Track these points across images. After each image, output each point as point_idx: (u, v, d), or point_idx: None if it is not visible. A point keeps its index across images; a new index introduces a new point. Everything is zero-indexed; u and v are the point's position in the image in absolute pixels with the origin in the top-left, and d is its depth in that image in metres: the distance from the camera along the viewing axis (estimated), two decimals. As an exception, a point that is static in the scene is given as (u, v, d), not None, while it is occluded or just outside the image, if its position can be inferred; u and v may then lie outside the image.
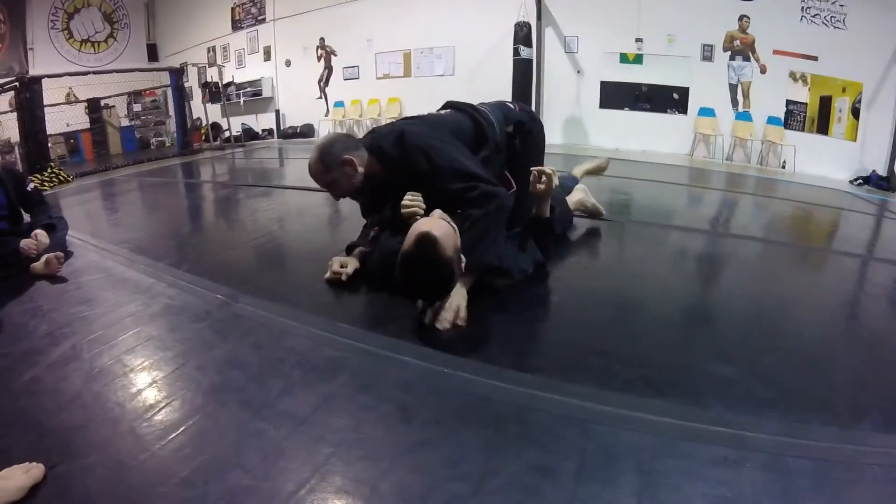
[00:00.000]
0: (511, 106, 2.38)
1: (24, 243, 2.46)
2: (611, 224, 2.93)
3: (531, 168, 2.04)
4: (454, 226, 1.66)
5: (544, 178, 2.00)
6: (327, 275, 2.05)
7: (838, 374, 1.46)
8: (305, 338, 1.60)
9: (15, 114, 7.45)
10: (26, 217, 2.85)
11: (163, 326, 1.78)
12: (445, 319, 1.64)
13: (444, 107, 2.30)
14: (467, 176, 1.83)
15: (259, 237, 2.97)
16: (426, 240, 1.54)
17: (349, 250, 2.20)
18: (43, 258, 2.41)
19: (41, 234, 2.55)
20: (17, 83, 7.32)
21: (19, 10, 11.89)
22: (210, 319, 1.79)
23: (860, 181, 6.81)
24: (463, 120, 2.13)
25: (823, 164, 7.19)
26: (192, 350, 1.59)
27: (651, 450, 1.08)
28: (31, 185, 2.92)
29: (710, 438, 1.12)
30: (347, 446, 1.10)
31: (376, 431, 1.16)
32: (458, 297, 1.70)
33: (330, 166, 1.99)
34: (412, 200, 1.88)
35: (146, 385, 1.40)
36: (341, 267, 2.05)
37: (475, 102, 2.28)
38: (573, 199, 2.82)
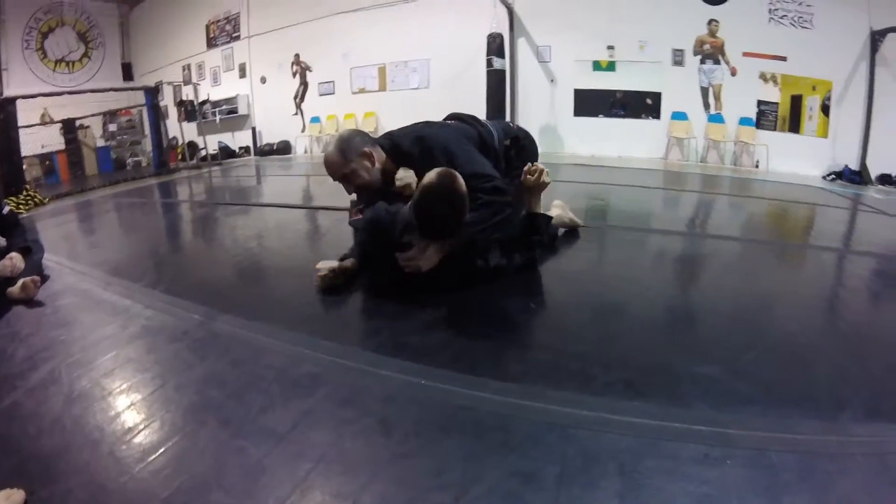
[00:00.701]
0: (509, 124, 2.60)
1: (0, 267, 2.42)
2: (588, 230, 2.95)
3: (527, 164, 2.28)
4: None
5: (535, 171, 2.24)
6: (318, 282, 2.05)
7: (819, 367, 1.48)
8: (284, 354, 1.58)
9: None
10: (1, 241, 2.80)
11: (140, 348, 1.75)
12: (416, 265, 1.86)
13: (449, 118, 2.42)
14: (484, 176, 1.97)
15: (237, 255, 2.95)
16: (448, 175, 1.79)
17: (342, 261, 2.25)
18: (19, 282, 2.37)
19: (17, 258, 2.50)
20: (-9, 104, 7.18)
21: (-7, 30, 11.72)
22: (187, 339, 1.77)
23: (833, 176, 7.00)
24: (469, 129, 2.26)
25: (796, 161, 7.38)
26: (170, 370, 1.57)
27: (633, 451, 1.09)
28: (7, 209, 2.85)
29: (693, 437, 1.13)
30: (328, 461, 1.09)
31: (356, 445, 1.15)
32: (433, 252, 1.89)
33: (348, 157, 2.08)
34: (406, 173, 2.08)
35: (125, 407, 1.38)
36: (330, 270, 2.07)
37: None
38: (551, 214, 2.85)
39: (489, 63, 8.22)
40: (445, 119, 2.42)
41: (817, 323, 1.90)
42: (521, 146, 2.47)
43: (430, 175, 1.80)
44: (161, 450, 1.17)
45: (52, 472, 1.13)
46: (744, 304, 2.02)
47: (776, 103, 7.64)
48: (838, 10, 7.07)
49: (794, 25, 7.35)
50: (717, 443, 1.11)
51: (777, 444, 1.11)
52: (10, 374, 1.64)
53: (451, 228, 1.85)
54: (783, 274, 2.59)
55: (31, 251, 2.70)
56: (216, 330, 1.83)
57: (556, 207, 2.89)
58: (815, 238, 3.56)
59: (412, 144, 2.09)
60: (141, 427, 1.27)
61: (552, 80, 8.76)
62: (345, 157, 2.09)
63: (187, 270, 2.90)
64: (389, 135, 2.22)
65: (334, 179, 2.20)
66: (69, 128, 10.40)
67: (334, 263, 2.08)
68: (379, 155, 2.13)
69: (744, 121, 7.77)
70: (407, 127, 2.25)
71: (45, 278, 2.63)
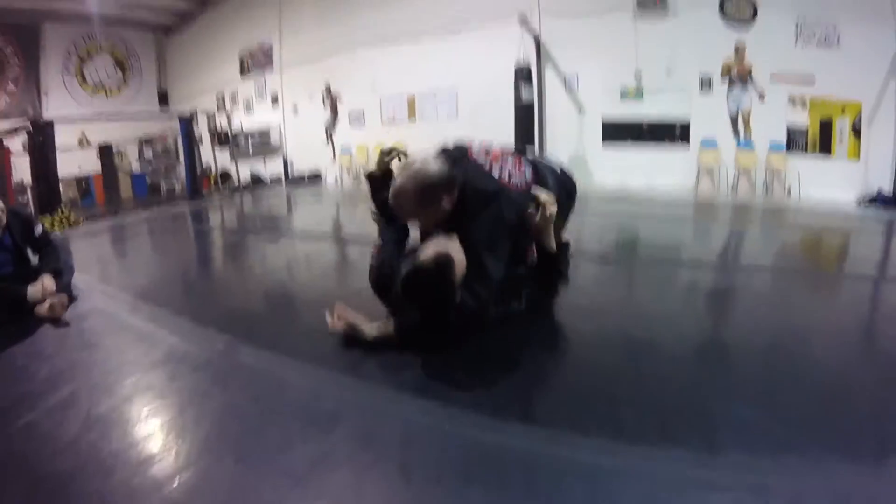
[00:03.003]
0: (557, 170, 2.34)
1: (31, 292, 2.49)
2: (617, 263, 2.89)
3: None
4: (475, 260, 1.74)
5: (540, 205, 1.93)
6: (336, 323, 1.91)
7: (861, 406, 1.40)
8: (305, 389, 1.56)
9: (28, 156, 7.61)
10: (34, 259, 2.87)
11: (162, 375, 1.75)
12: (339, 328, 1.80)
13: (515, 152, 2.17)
14: (488, 277, 1.77)
15: (264, 284, 2.96)
16: (444, 260, 1.64)
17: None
18: (47, 302, 2.44)
19: (48, 281, 2.57)
20: (30, 126, 7.49)
21: (34, 54, 12.32)
22: (210, 369, 1.76)
23: (867, 201, 6.77)
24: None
25: (828, 186, 7.16)
26: (190, 400, 1.55)
27: (667, 503, 1.02)
28: (40, 228, 2.93)
29: (729, 486, 1.06)
30: (346, 507, 1.05)
31: (376, 490, 1.11)
32: (368, 327, 1.80)
33: (424, 204, 1.81)
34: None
35: (141, 436, 1.37)
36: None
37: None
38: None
39: (517, 93, 8.26)
40: (513, 153, 2.12)
41: (857, 357, 1.80)
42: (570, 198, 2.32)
43: (428, 254, 1.66)
44: (174, 484, 1.14)
45: (64, 495, 1.12)
46: (779, 338, 1.94)
47: (806, 127, 7.49)
48: (864, 28, 6.93)
49: (820, 46, 7.23)
50: (755, 491, 1.05)
51: (815, 492, 1.04)
52: (31, 392, 1.66)
53: (429, 311, 1.73)
54: (819, 305, 2.49)
55: (62, 273, 2.76)
56: (239, 361, 1.82)
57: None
58: (851, 266, 3.42)
59: (476, 200, 1.85)
60: (156, 457, 1.25)
61: (580, 110, 8.75)
62: (420, 204, 1.81)
63: (214, 298, 2.92)
64: (466, 175, 1.89)
65: (395, 212, 1.96)
66: (106, 152, 10.78)
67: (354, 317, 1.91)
68: (452, 198, 1.84)
69: (774, 146, 7.60)
70: (487, 176, 1.91)
71: (73, 299, 2.70)
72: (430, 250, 1.67)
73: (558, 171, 2.34)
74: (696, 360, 1.80)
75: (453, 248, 1.70)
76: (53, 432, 1.40)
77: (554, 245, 2.03)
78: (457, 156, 1.97)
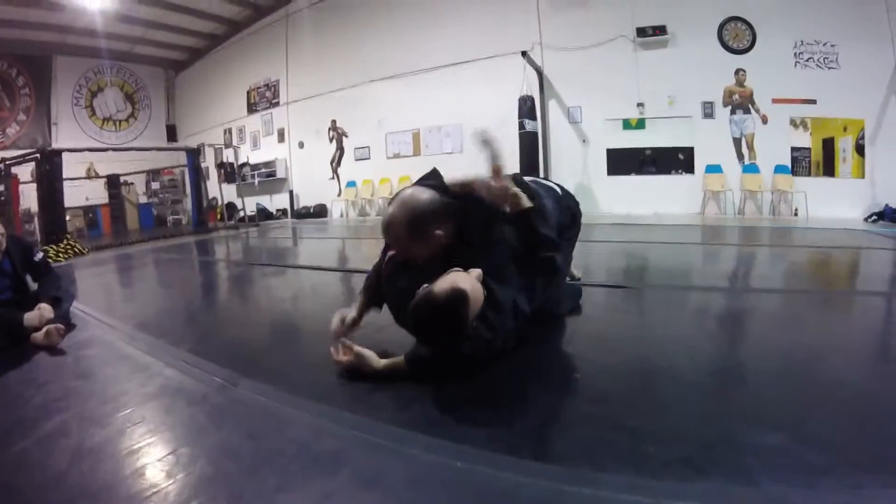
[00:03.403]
0: (558, 191, 2.27)
1: (28, 318, 2.48)
2: (628, 290, 2.81)
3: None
4: (485, 292, 1.63)
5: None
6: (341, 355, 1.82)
7: (892, 426, 1.31)
8: (306, 426, 1.46)
9: (35, 185, 7.71)
10: (33, 286, 2.87)
11: (156, 408, 1.67)
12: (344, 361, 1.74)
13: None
14: (503, 310, 1.70)
15: (267, 317, 2.90)
16: (458, 297, 1.53)
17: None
18: (44, 329, 2.42)
19: (45, 309, 2.56)
20: (38, 155, 7.60)
21: (45, 86, 12.63)
22: (206, 403, 1.67)
23: (875, 217, 6.72)
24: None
25: (835, 205, 7.17)
26: (184, 436, 1.47)
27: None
28: (39, 255, 2.92)
29: None
30: (348, 557, 0.95)
31: None
32: (373, 359, 1.72)
33: (416, 238, 1.73)
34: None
35: (132, 471, 1.29)
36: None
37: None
38: None
39: (521, 125, 8.32)
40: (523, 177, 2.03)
41: (881, 375, 1.72)
42: (575, 223, 2.27)
43: (443, 286, 1.55)
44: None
45: None
46: (800, 360, 1.85)
47: (808, 148, 7.49)
48: (862, 46, 7.03)
49: (820, 67, 7.32)
50: None
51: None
52: (23, 419, 1.63)
53: (438, 345, 1.65)
54: (837, 324, 2.42)
55: (61, 300, 2.73)
56: (237, 396, 1.73)
57: None
58: (864, 283, 3.35)
59: (474, 229, 1.77)
60: (146, 495, 1.18)
61: (584, 141, 8.79)
62: (411, 238, 1.73)
63: (214, 330, 2.85)
64: (462, 204, 1.79)
65: (391, 245, 1.91)
66: (113, 183, 10.92)
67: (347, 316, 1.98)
68: (448, 232, 1.76)
69: (779, 168, 7.62)
70: (479, 203, 1.78)
71: (71, 327, 2.68)
72: (445, 284, 1.56)
73: (558, 192, 2.26)
74: (717, 386, 1.70)
75: (471, 283, 1.59)
76: (43, 462, 1.35)
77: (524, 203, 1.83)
78: (437, 185, 1.86)
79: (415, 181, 1.97)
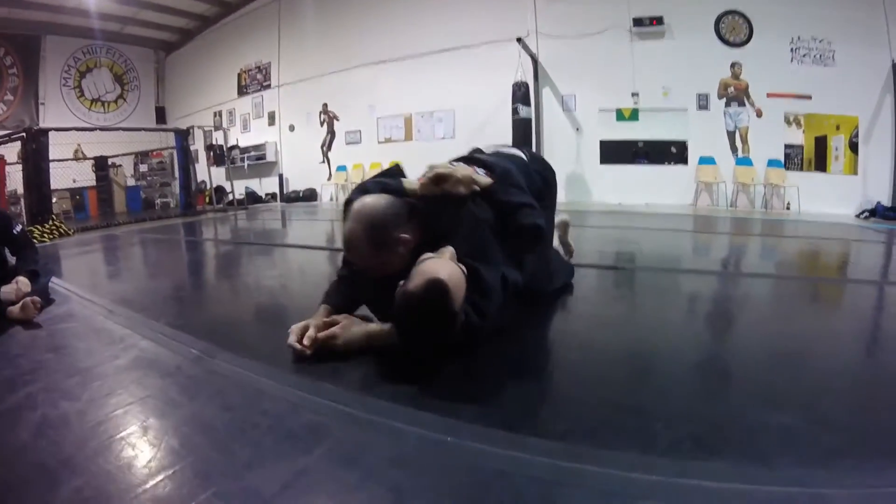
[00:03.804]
0: (523, 157, 2.07)
1: (4, 292, 2.36)
2: (621, 272, 2.73)
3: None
4: (464, 270, 1.48)
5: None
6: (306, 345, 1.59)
7: None
8: (284, 399, 1.35)
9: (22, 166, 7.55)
10: (12, 260, 2.75)
11: (126, 380, 1.57)
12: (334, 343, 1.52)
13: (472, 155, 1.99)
14: (493, 291, 1.58)
15: (251, 293, 2.79)
16: (436, 287, 1.35)
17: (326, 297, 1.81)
18: (20, 303, 2.32)
19: (22, 282, 2.44)
20: (24, 134, 7.43)
21: (33, 66, 12.37)
22: (179, 375, 1.57)
23: (866, 214, 6.75)
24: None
25: (827, 201, 7.19)
26: (153, 408, 1.36)
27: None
28: (19, 228, 2.80)
29: (785, 502, 0.90)
30: (323, 537, 0.85)
31: None
32: (355, 327, 1.57)
33: (381, 246, 1.57)
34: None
35: (98, 444, 1.18)
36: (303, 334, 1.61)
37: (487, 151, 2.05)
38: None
39: (515, 111, 8.22)
40: (461, 160, 1.89)
41: (889, 359, 1.65)
42: (546, 193, 2.03)
43: (418, 281, 1.38)
44: (122, 502, 0.96)
45: None
46: (805, 343, 1.78)
47: (801, 146, 7.49)
48: (858, 44, 7.04)
49: (816, 63, 7.30)
50: None
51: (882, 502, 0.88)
52: None
53: (432, 340, 1.47)
54: (839, 310, 2.39)
55: (39, 274, 2.62)
56: (212, 368, 1.62)
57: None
58: (865, 273, 3.31)
59: (445, 218, 1.64)
60: (109, 468, 1.08)
61: (577, 129, 8.72)
62: (376, 248, 1.57)
63: (196, 305, 2.75)
64: (422, 215, 1.67)
65: (355, 264, 1.72)
66: (101, 165, 10.70)
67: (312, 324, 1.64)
68: (415, 235, 1.62)
69: (772, 162, 7.62)
70: (444, 204, 1.67)
71: (49, 302, 2.58)
72: (419, 278, 1.39)
73: (524, 158, 2.07)
74: (720, 367, 1.62)
75: (447, 267, 1.43)
76: (2, 438, 1.25)
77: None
78: (393, 186, 1.74)
79: (373, 176, 1.84)
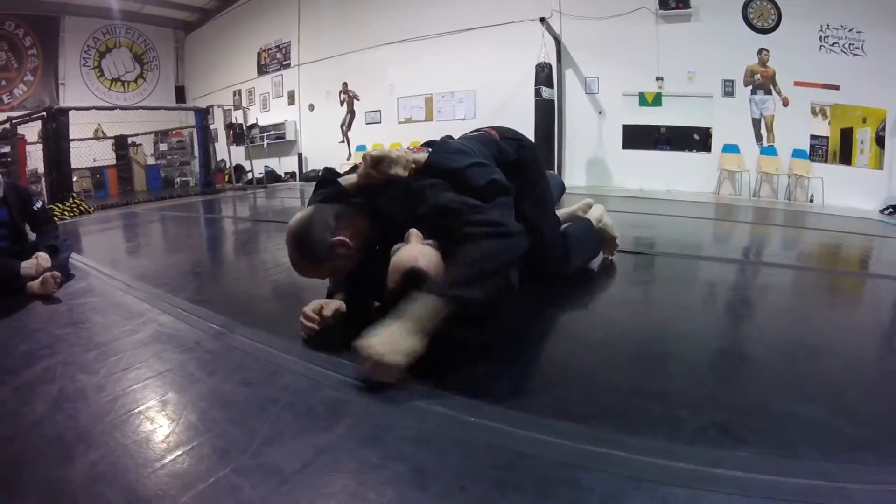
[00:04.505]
0: (500, 144, 1.92)
1: (24, 267, 2.40)
2: (643, 257, 2.68)
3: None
4: (436, 248, 1.44)
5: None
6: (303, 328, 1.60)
7: None
8: (304, 375, 1.34)
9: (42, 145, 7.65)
10: (32, 236, 2.79)
11: (145, 354, 1.57)
12: (372, 348, 1.23)
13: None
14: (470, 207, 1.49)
15: (272, 270, 2.77)
16: (413, 276, 1.33)
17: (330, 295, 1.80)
18: (40, 278, 2.35)
19: (42, 257, 2.48)
20: (44, 113, 7.50)
21: (53, 46, 12.44)
22: (199, 350, 1.57)
23: (890, 210, 6.57)
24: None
25: (851, 195, 6.99)
26: (172, 383, 1.36)
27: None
28: (38, 204, 2.83)
29: (809, 495, 0.86)
30: (343, 516, 0.83)
31: (382, 499, 0.88)
32: (403, 335, 1.25)
33: (317, 258, 1.54)
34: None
35: (114, 418, 1.18)
36: (316, 313, 1.61)
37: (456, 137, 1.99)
38: (593, 214, 2.43)
39: (538, 92, 8.09)
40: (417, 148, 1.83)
41: None
42: (521, 164, 1.90)
43: (394, 275, 1.36)
44: (138, 477, 0.95)
45: (13, 484, 0.95)
46: (829, 336, 1.72)
47: (826, 137, 7.28)
48: (889, 35, 6.74)
49: (845, 53, 7.06)
50: (840, 501, 0.85)
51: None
52: (3, 367, 1.53)
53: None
54: (862, 304, 2.28)
55: (59, 250, 2.65)
56: (232, 343, 1.62)
57: (597, 208, 2.49)
58: (887, 268, 3.19)
59: (402, 199, 1.56)
60: (125, 443, 1.07)
61: (600, 112, 8.57)
62: (315, 261, 1.55)
63: (216, 281, 2.76)
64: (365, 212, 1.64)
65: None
66: (121, 144, 10.79)
67: (327, 304, 1.65)
68: (355, 229, 1.58)
69: (797, 153, 7.40)
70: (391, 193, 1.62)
71: (69, 277, 2.62)
72: (394, 273, 1.37)
73: (489, 134, 1.96)
74: (748, 356, 1.57)
75: (414, 252, 1.39)
76: (19, 411, 1.25)
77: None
78: (331, 193, 1.70)
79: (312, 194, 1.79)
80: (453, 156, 1.70)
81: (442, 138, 1.85)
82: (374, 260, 1.57)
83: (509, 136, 1.97)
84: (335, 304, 1.66)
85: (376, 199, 1.62)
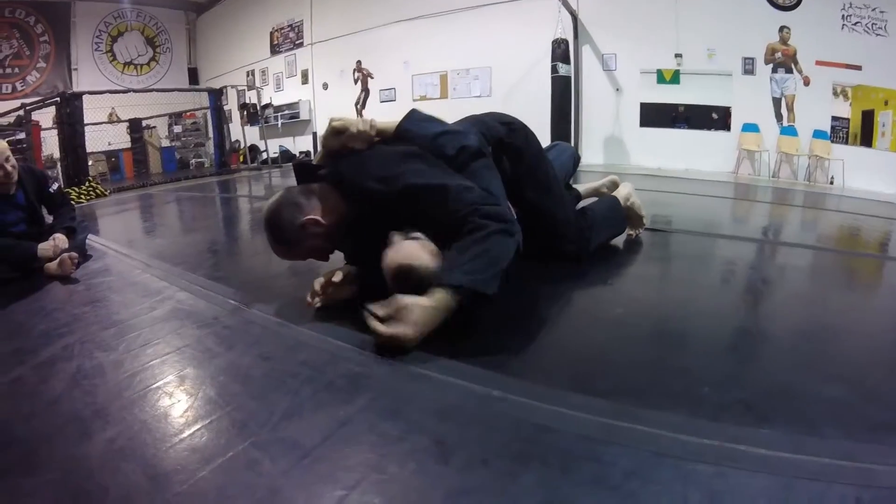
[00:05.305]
0: (486, 121, 1.91)
1: (42, 249, 2.43)
2: (662, 234, 2.63)
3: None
4: (423, 239, 1.44)
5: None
6: (314, 299, 1.60)
7: None
8: (323, 349, 1.34)
9: (57, 130, 7.70)
10: (49, 218, 2.80)
11: (163, 330, 1.58)
12: (385, 329, 1.25)
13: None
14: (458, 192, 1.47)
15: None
16: (403, 272, 1.36)
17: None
18: (58, 259, 2.38)
19: (60, 239, 2.51)
20: (58, 98, 7.54)
21: (64, 32, 12.47)
22: (217, 325, 1.58)
23: None
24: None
25: (873, 178, 6.80)
26: (190, 358, 1.37)
27: (771, 496, 0.80)
28: (55, 187, 2.87)
29: (833, 475, 0.84)
30: (364, 490, 0.82)
31: (404, 472, 0.87)
32: (419, 310, 1.26)
33: (291, 241, 1.57)
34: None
35: (133, 394, 1.19)
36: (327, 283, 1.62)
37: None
38: (621, 193, 2.39)
39: (554, 69, 7.95)
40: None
41: None
42: (514, 147, 1.87)
43: (387, 274, 1.38)
44: (156, 451, 0.96)
45: (32, 460, 0.96)
46: (851, 317, 1.68)
47: (847, 119, 7.07)
48: None
49: (868, 32, 6.82)
50: (863, 482, 0.82)
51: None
52: (22, 347, 1.55)
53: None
54: (884, 287, 2.23)
55: (76, 231, 2.67)
56: (250, 318, 1.63)
57: (625, 186, 2.46)
58: None
59: (376, 184, 1.51)
60: (144, 418, 1.08)
61: (617, 89, 8.42)
62: (288, 245, 1.59)
63: (233, 258, 2.78)
64: (344, 169, 1.62)
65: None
66: (135, 127, 10.85)
67: (337, 273, 1.65)
68: (327, 206, 1.58)
69: (818, 133, 7.22)
70: (361, 158, 1.62)
71: (86, 257, 2.65)
72: (388, 275, 1.38)
73: (476, 116, 1.96)
74: (770, 335, 1.53)
75: (402, 251, 1.40)
76: (37, 389, 1.27)
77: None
78: (303, 177, 1.70)
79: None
80: (422, 123, 1.72)
81: (412, 109, 1.84)
82: (367, 234, 1.56)
83: (501, 121, 1.93)
84: (344, 271, 1.67)
85: (338, 165, 1.63)
